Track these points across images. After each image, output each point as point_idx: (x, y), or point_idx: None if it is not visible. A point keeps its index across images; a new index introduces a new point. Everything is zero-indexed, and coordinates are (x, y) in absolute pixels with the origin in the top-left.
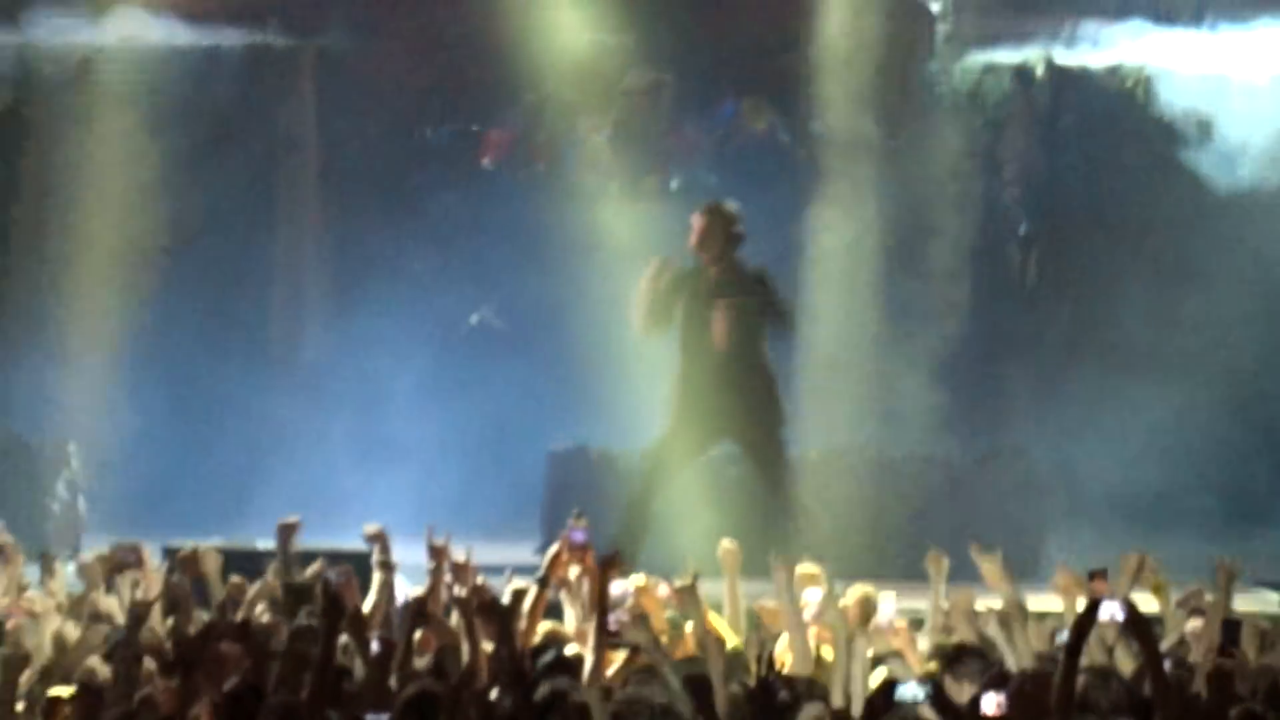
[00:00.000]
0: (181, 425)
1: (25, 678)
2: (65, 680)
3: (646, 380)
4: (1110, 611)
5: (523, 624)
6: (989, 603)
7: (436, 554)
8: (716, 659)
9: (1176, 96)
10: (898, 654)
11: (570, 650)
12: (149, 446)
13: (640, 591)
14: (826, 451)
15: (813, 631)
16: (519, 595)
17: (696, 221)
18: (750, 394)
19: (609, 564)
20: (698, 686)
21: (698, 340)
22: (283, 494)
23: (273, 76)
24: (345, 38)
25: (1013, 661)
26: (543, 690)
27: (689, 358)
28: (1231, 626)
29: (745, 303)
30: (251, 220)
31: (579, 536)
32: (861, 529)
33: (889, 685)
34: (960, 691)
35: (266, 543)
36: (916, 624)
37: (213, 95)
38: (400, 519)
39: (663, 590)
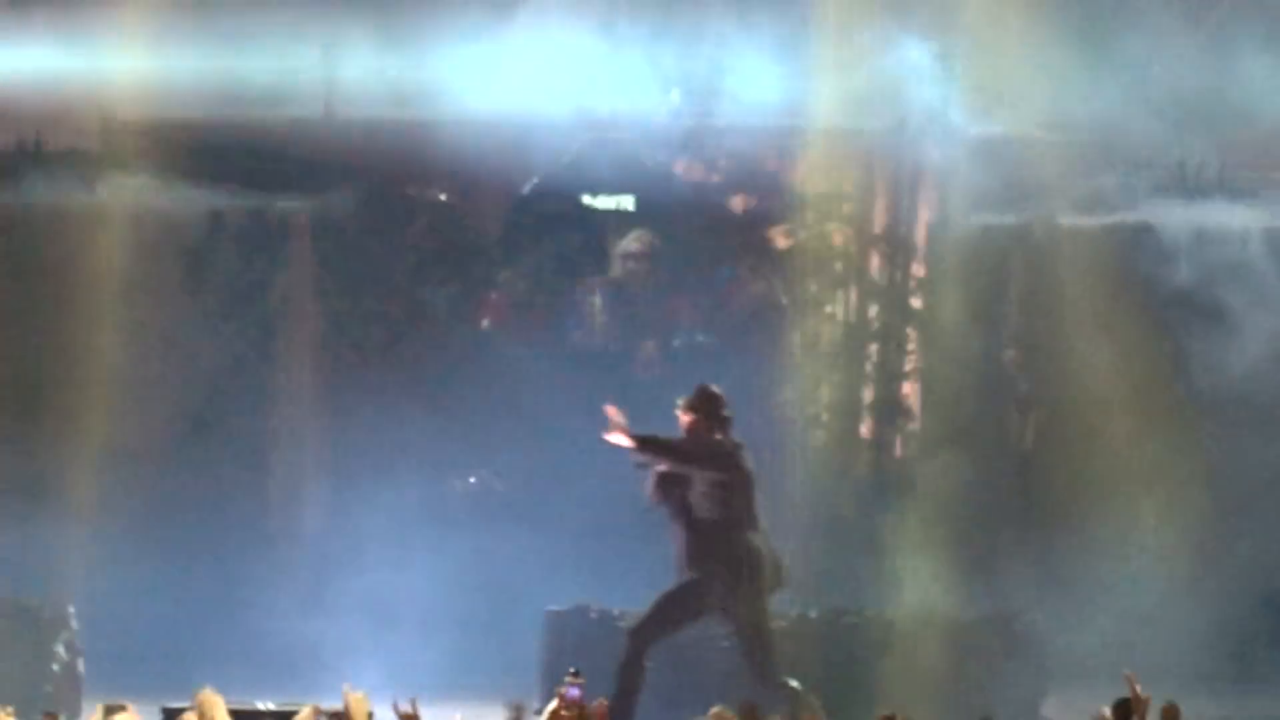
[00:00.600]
0: (181, 590)
1: None
2: None
3: (644, 542)
4: None
5: None
6: None
7: None
8: None
9: (1179, 256)
10: None
11: None
12: (149, 609)
13: None
14: (826, 612)
15: None
16: None
17: (684, 417)
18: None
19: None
20: None
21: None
22: (280, 656)
23: (271, 240)
24: (342, 202)
25: None
26: None
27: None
28: None
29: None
30: (251, 386)
31: (574, 693)
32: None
33: None
34: None
35: (266, 703)
36: None
37: (212, 260)
38: (400, 680)
39: None
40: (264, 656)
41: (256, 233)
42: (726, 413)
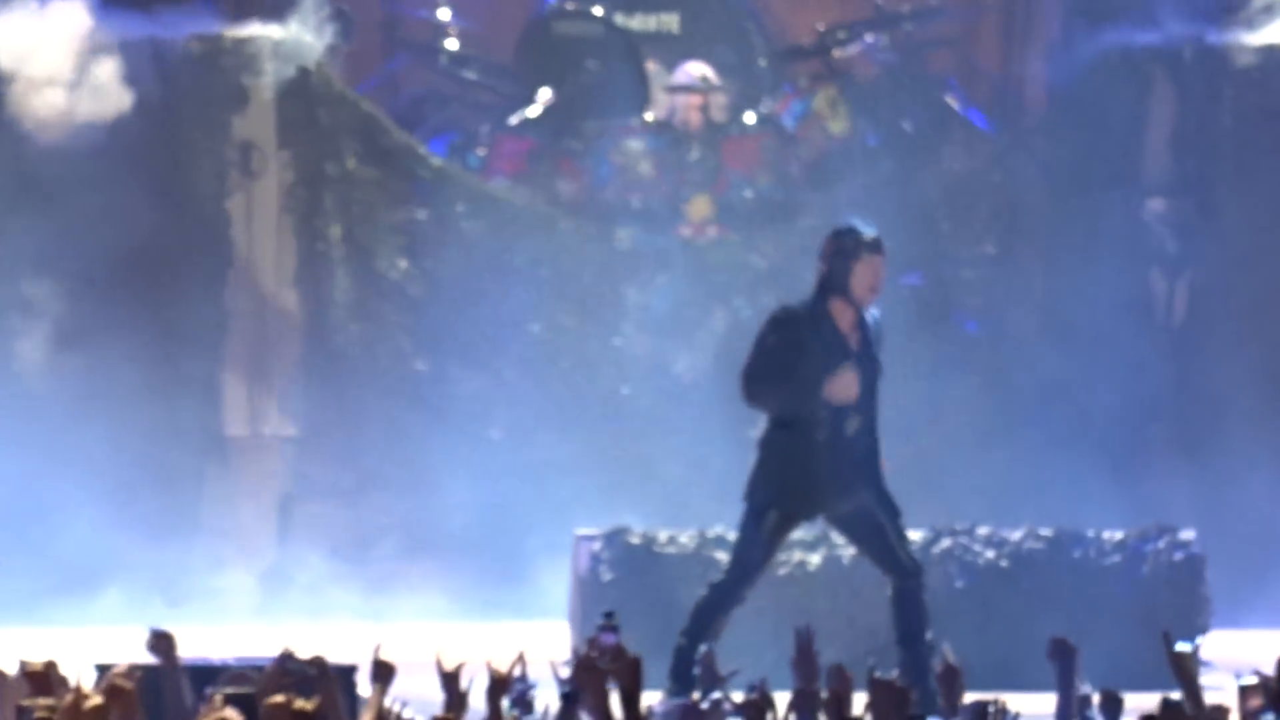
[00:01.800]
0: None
1: None
2: None
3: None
4: None
5: None
6: None
7: (383, 672)
8: None
9: None
10: None
11: None
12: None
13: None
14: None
15: None
16: None
17: (876, 263)
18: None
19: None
20: None
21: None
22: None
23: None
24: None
25: None
26: None
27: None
28: None
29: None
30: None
31: (610, 640)
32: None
33: None
34: None
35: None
36: None
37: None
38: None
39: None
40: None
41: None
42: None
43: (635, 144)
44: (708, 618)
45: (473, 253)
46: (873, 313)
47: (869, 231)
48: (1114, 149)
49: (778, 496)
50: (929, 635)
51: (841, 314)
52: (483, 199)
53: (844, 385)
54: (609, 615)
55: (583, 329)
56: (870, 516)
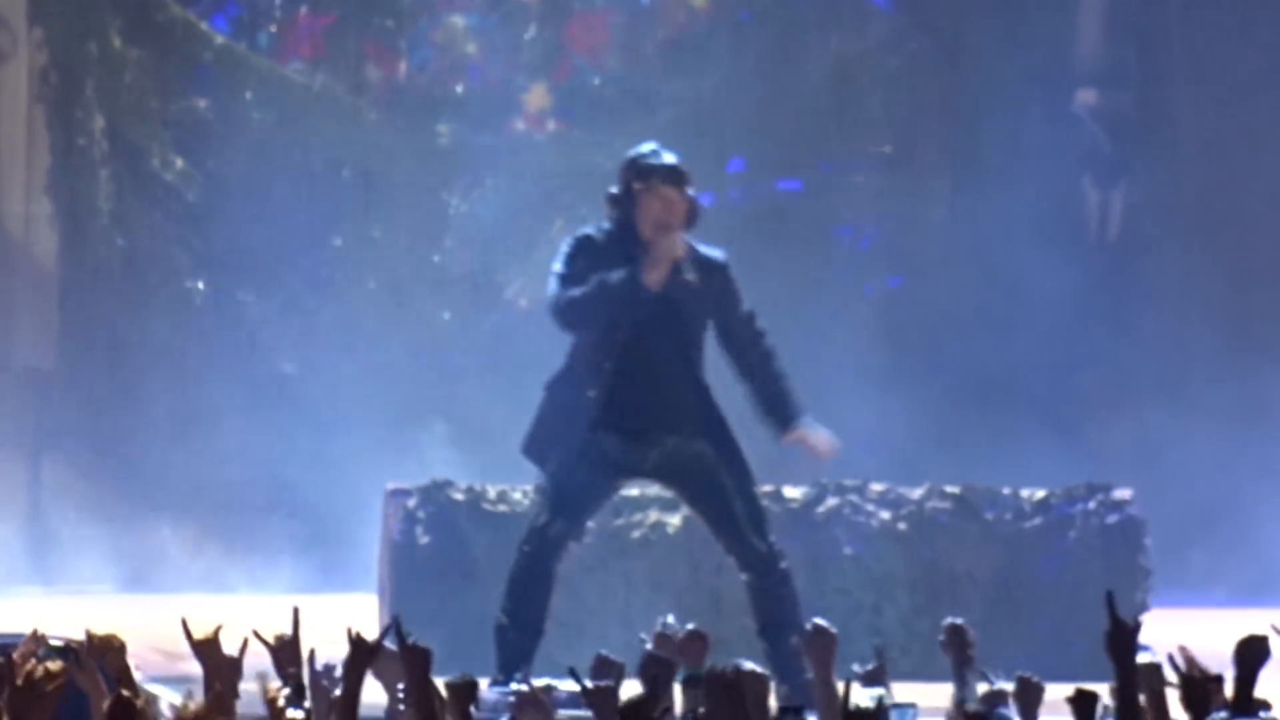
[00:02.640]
0: None
1: None
2: None
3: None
4: None
5: None
6: None
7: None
8: None
9: None
10: None
11: None
12: None
13: None
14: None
15: None
16: None
17: (667, 195)
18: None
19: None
20: None
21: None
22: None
23: None
24: None
25: None
26: None
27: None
28: None
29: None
30: None
31: None
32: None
33: None
34: None
35: None
36: None
37: None
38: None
39: None
40: None
41: None
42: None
43: (459, 21)
44: (521, 594)
45: (263, 151)
46: (708, 252)
47: (660, 158)
48: (1037, 32)
49: (552, 448)
50: (798, 623)
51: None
52: (274, 85)
53: (665, 250)
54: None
55: (394, 242)
56: (707, 482)
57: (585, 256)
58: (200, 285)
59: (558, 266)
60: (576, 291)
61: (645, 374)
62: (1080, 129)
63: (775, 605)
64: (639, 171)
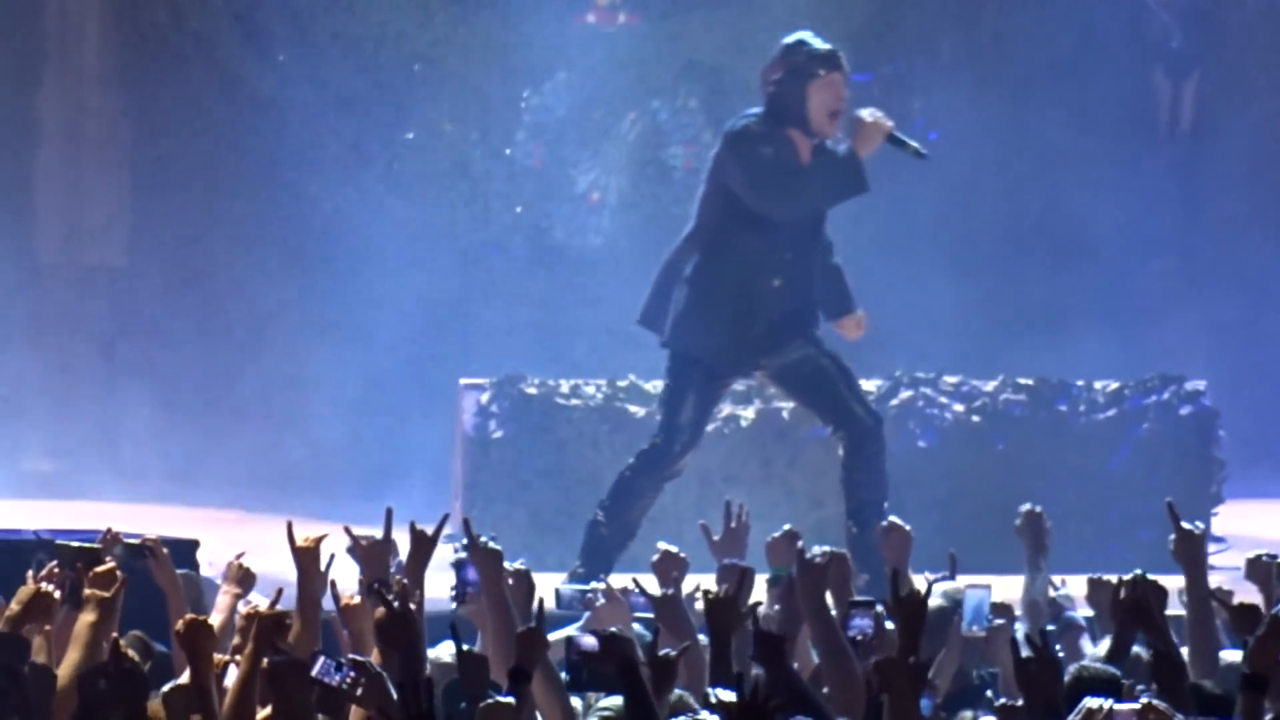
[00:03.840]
0: None
1: None
2: None
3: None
4: None
5: None
6: None
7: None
8: None
9: None
10: None
11: None
12: None
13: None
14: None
15: None
16: None
17: (836, 83)
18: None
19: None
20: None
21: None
22: None
23: None
24: None
25: None
26: None
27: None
28: None
29: None
30: None
31: (473, 574)
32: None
33: None
34: None
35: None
36: None
37: None
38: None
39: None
40: None
41: None
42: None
43: None
44: (630, 491)
45: (331, 43)
46: (837, 143)
47: (823, 45)
48: None
49: (707, 346)
50: (886, 505)
51: (801, 146)
52: None
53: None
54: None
55: (465, 135)
56: (814, 362)
57: (769, 143)
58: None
59: (757, 150)
60: (797, 173)
61: (806, 268)
62: (1151, 19)
63: (872, 482)
64: (810, 57)
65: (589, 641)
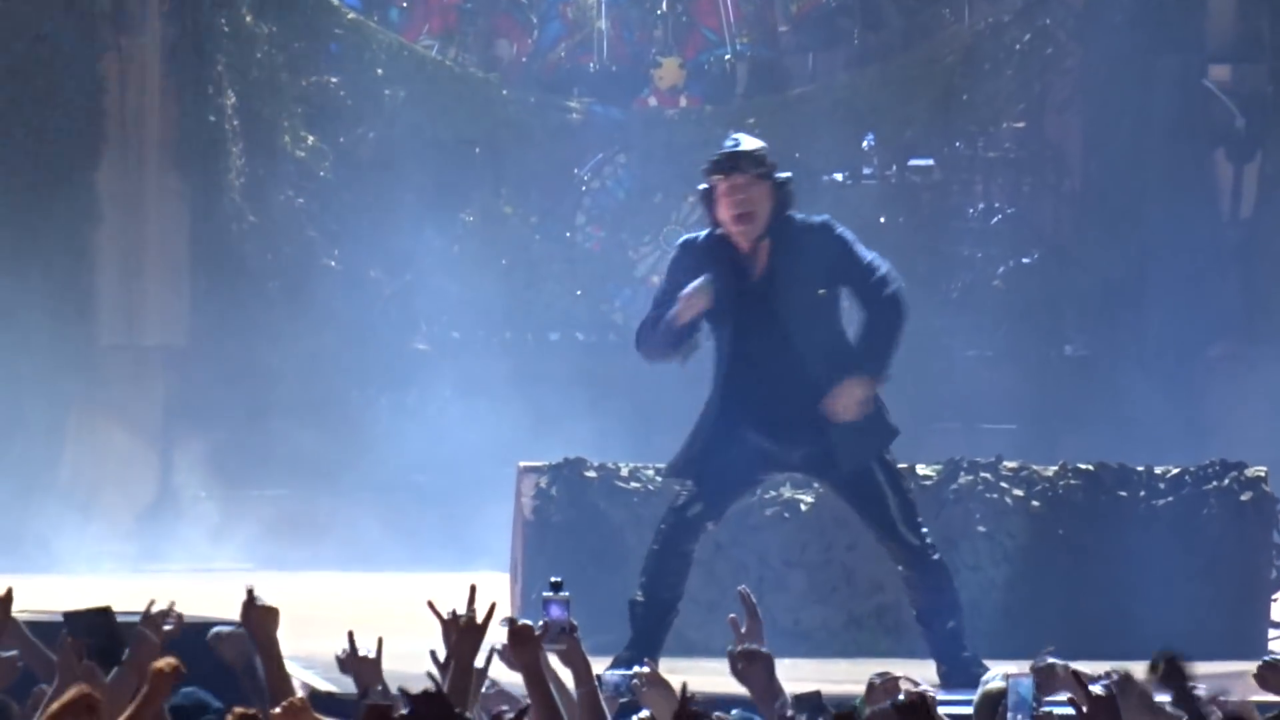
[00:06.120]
0: None
1: None
2: None
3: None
4: None
5: None
6: None
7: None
8: None
9: None
10: None
11: None
12: None
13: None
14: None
15: None
16: None
17: (730, 185)
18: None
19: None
20: None
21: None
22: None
23: None
24: None
25: None
26: None
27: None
28: None
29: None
30: None
31: (557, 613)
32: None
33: None
34: None
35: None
36: None
37: None
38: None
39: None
40: None
41: None
42: (785, 182)
43: None
44: (656, 572)
45: (393, 127)
46: (807, 221)
47: (732, 147)
48: (1169, 5)
49: (682, 460)
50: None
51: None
52: (405, 62)
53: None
54: (556, 585)
55: (525, 220)
56: (858, 479)
57: (682, 268)
58: (331, 263)
59: (659, 286)
60: (646, 329)
61: (779, 372)
62: (1213, 103)
63: (931, 595)
64: (708, 170)
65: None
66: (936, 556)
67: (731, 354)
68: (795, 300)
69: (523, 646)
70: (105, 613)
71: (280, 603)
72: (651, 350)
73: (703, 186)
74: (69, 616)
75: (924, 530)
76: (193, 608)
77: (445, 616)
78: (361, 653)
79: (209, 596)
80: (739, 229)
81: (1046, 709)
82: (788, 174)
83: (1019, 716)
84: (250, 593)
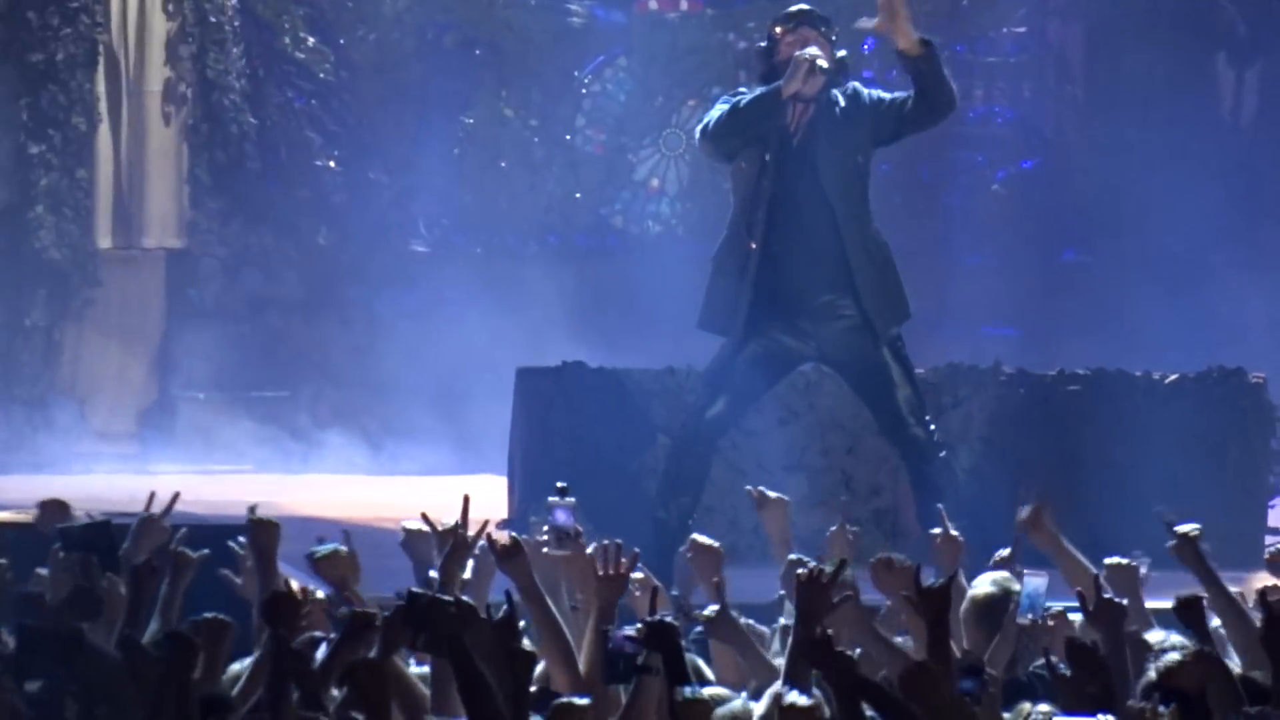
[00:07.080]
0: None
1: None
2: None
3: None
4: None
5: None
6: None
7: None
8: None
9: None
10: None
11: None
12: None
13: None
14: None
15: None
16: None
17: (807, 34)
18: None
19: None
20: None
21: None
22: None
23: None
24: None
25: None
26: None
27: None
28: None
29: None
30: None
31: (562, 518)
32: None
33: None
34: None
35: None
36: None
37: None
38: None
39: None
40: None
41: None
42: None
43: None
44: (675, 477)
45: (394, 29)
46: (849, 88)
47: (793, 8)
48: None
49: (714, 318)
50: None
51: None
52: None
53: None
54: (562, 490)
55: (526, 123)
56: (870, 370)
57: (739, 92)
58: (331, 164)
59: (723, 100)
60: (720, 114)
61: (798, 238)
62: (1216, 8)
63: (934, 494)
64: (778, 19)
65: (628, 631)
66: (943, 454)
67: (767, 220)
68: (833, 165)
69: (508, 561)
70: (104, 526)
71: (279, 505)
72: (731, 126)
73: (762, 44)
74: (64, 531)
75: (932, 427)
76: (192, 509)
77: (440, 528)
78: (345, 550)
79: (208, 497)
80: (803, 80)
81: (1060, 607)
82: (845, 51)
83: (1029, 616)
84: (252, 510)
